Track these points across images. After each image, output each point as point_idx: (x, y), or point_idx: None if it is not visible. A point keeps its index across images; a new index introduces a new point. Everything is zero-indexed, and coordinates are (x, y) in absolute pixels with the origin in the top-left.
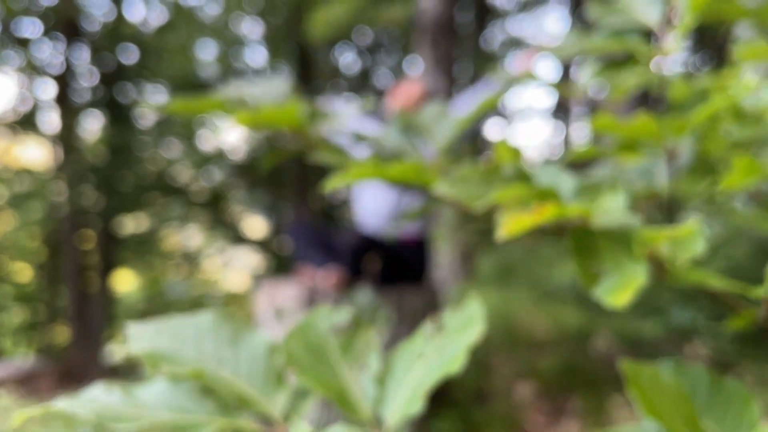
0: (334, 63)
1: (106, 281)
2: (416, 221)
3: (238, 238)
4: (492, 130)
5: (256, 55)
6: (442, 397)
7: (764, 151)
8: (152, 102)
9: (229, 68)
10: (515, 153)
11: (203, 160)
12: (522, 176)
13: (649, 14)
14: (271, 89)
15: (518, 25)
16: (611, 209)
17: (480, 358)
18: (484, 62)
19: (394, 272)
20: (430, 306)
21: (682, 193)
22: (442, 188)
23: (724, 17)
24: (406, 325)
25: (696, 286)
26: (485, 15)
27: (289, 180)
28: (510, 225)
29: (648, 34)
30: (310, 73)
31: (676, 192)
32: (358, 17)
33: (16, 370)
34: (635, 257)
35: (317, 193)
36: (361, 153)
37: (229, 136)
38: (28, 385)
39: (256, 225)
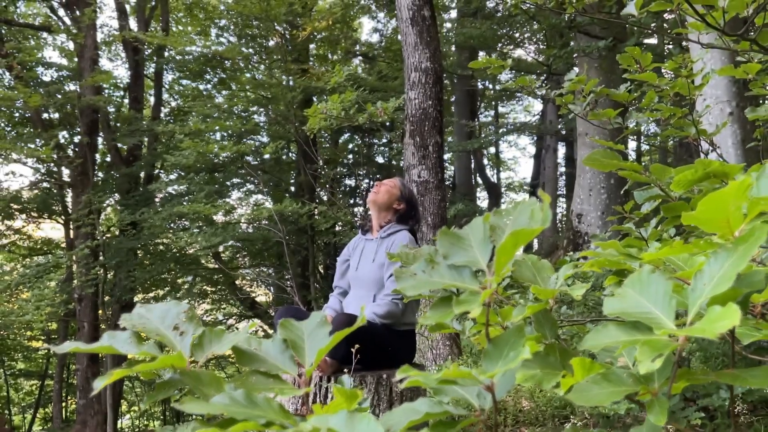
0: (336, 141)
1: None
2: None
3: (246, 311)
4: None
5: (263, 138)
6: None
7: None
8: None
9: (239, 151)
10: None
11: (216, 236)
12: None
13: (481, 257)
14: (168, 313)
15: (507, 108)
16: None
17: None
18: (475, 142)
19: (380, 357)
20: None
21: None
22: None
23: None
24: (389, 405)
25: None
26: (475, 99)
27: (294, 257)
28: None
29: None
30: (314, 151)
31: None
32: (346, 116)
33: None
34: None
35: (319, 272)
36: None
37: (240, 211)
38: None
39: (263, 299)
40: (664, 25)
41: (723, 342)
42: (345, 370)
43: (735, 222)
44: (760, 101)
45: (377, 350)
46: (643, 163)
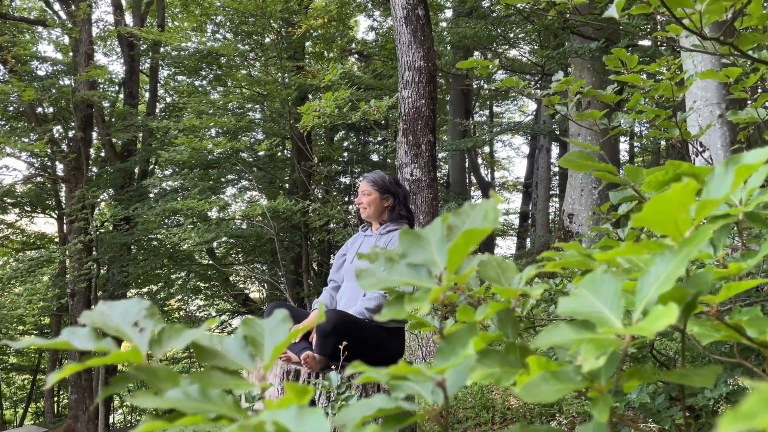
0: (331, 139)
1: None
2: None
3: (239, 307)
4: None
5: (258, 135)
6: None
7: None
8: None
9: (234, 147)
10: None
11: (209, 233)
12: None
13: (438, 256)
14: (130, 310)
15: (502, 107)
16: None
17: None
18: (469, 142)
19: (370, 354)
20: None
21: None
22: None
23: None
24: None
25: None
26: (470, 98)
27: (287, 253)
28: None
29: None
30: (308, 149)
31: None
32: (340, 114)
33: None
34: None
35: (312, 269)
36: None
37: (234, 207)
38: None
39: (257, 295)
40: (658, 27)
41: (709, 343)
42: (333, 366)
43: (683, 224)
44: (748, 103)
45: (367, 347)
46: (636, 164)
